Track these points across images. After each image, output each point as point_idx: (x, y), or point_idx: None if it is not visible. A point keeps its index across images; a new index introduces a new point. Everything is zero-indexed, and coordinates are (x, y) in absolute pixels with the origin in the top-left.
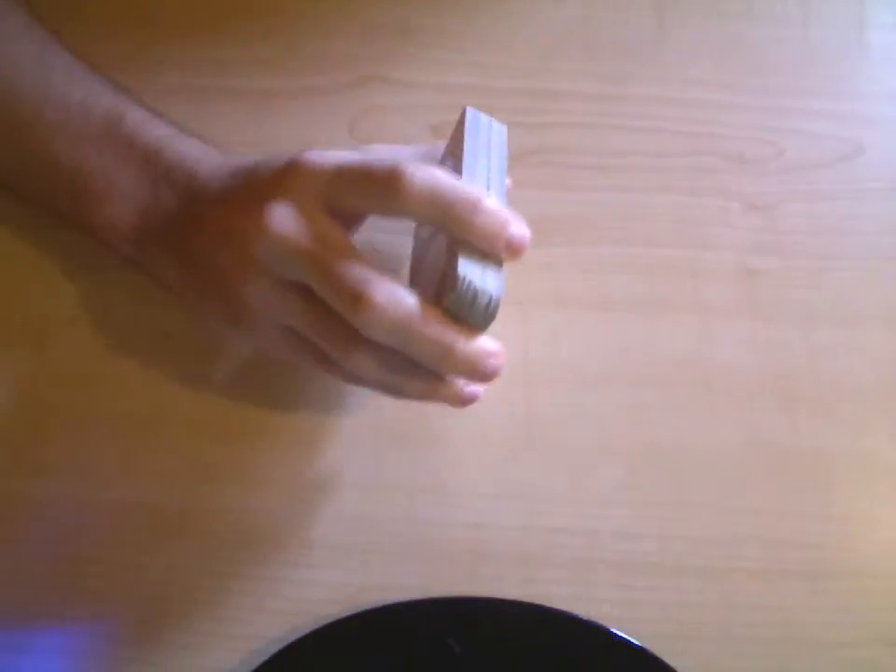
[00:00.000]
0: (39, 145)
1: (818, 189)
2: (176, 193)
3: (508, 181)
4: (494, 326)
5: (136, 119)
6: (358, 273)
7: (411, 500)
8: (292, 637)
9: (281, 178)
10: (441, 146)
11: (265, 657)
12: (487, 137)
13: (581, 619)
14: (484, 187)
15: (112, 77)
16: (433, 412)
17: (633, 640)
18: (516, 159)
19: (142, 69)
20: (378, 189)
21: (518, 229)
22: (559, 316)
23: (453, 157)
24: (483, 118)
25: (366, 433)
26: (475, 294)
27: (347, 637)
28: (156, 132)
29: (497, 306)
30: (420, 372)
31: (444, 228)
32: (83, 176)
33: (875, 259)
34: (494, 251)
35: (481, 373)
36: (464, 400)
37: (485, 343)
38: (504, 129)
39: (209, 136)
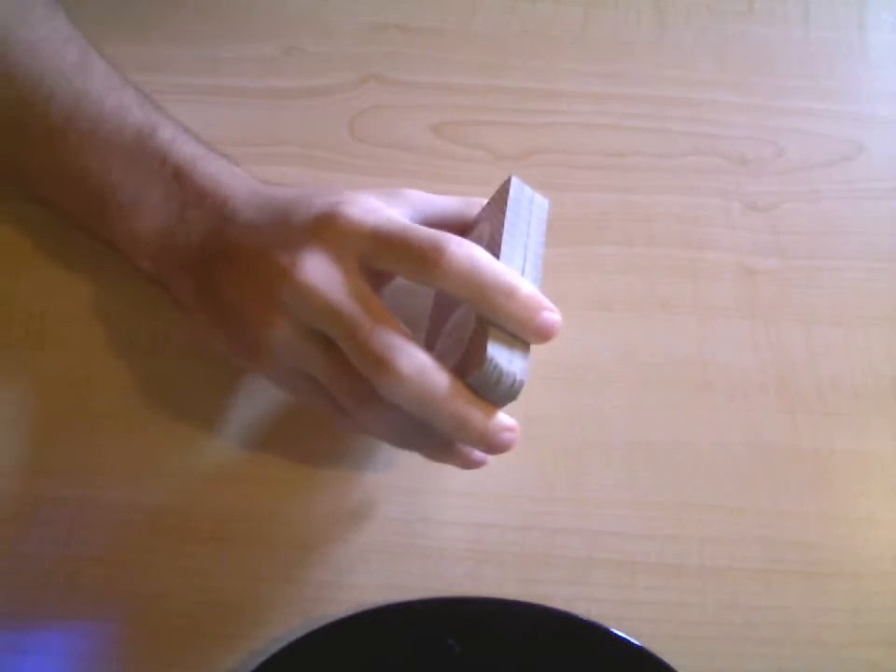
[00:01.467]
0: (69, 152)
1: (818, 189)
2: (205, 216)
3: (543, 251)
4: None
5: (168, 135)
6: (386, 337)
7: (411, 500)
8: (292, 637)
9: (318, 227)
10: (475, 202)
11: (265, 657)
12: (528, 212)
13: (581, 619)
14: (521, 266)
15: (145, 91)
16: None
17: (633, 640)
18: (516, 159)
19: (142, 69)
20: (417, 260)
21: (549, 316)
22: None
23: (490, 224)
24: (527, 190)
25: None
26: (500, 375)
27: (347, 637)
28: (188, 149)
29: (520, 389)
30: (433, 435)
31: (477, 307)
32: (110, 188)
33: (875, 259)
34: (523, 335)
35: (493, 446)
36: (472, 465)
37: (501, 419)
38: (546, 203)
39: (209, 136)
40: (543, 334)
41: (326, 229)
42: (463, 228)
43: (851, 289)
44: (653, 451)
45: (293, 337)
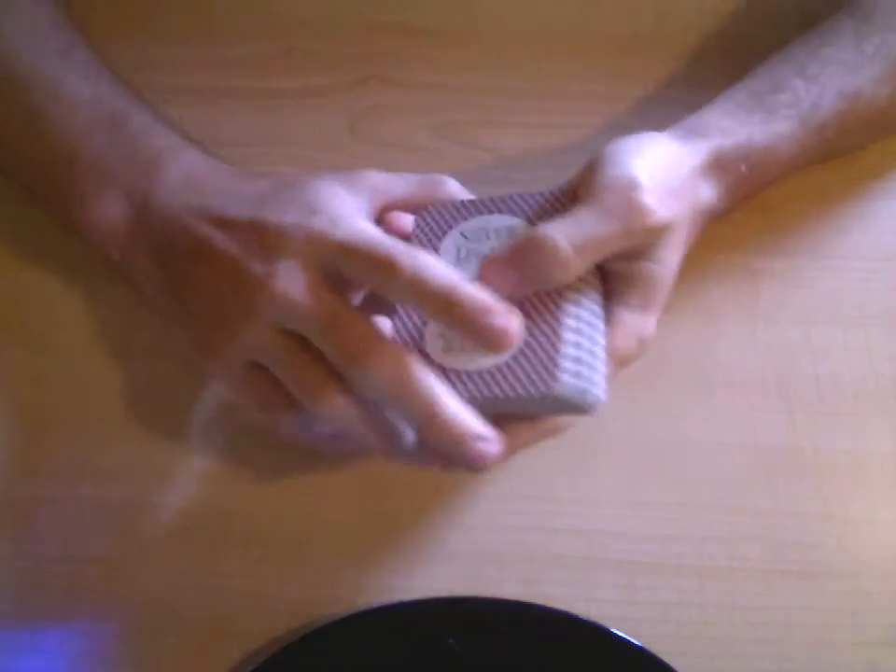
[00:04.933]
0: (42, 135)
1: (818, 189)
2: (174, 207)
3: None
4: None
5: (142, 124)
6: (363, 329)
7: (411, 500)
8: (292, 637)
9: (289, 238)
10: (436, 179)
11: (265, 657)
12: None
13: (581, 619)
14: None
15: (126, 80)
16: None
17: (633, 640)
18: (516, 159)
19: (142, 69)
20: (377, 270)
21: (499, 320)
22: None
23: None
24: None
25: None
26: (581, 394)
27: (347, 637)
28: (161, 139)
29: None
30: (384, 434)
31: (429, 316)
32: (78, 171)
33: (875, 259)
34: (477, 340)
35: (462, 453)
36: (423, 467)
37: (479, 426)
38: None
39: (209, 136)
40: (494, 341)
41: (295, 240)
42: (421, 205)
43: (851, 289)
44: (653, 451)
45: (259, 336)
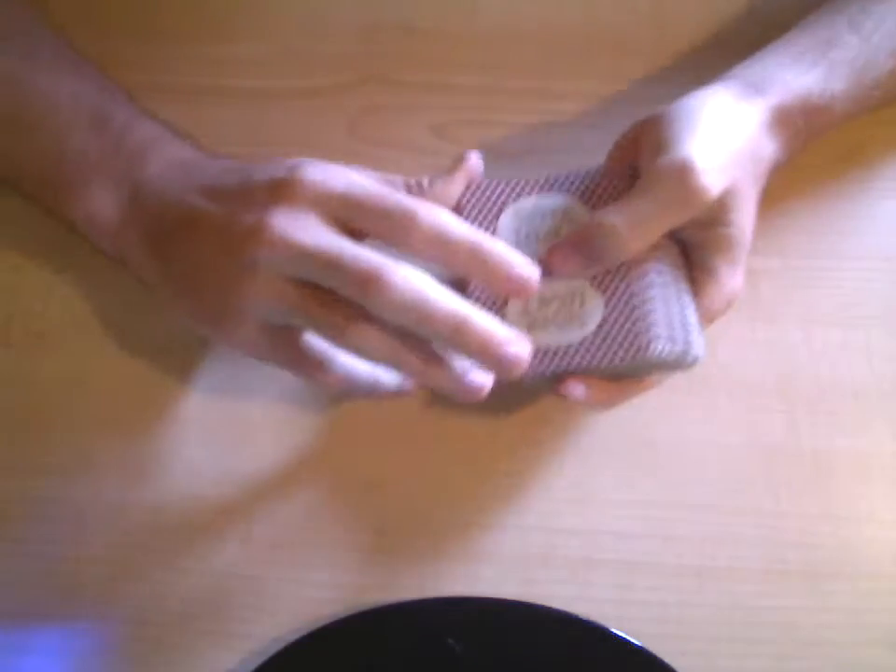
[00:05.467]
0: (26, 135)
1: (818, 189)
2: (164, 192)
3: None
4: None
5: (124, 119)
6: (370, 256)
7: (411, 500)
8: (292, 637)
9: (283, 186)
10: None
11: (265, 657)
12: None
13: (581, 619)
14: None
15: (103, 74)
16: (433, 411)
17: (633, 640)
18: (516, 159)
19: (142, 69)
20: (394, 220)
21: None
22: None
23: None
24: None
25: (366, 433)
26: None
27: (347, 637)
28: (144, 131)
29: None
30: (422, 354)
31: (454, 270)
32: (66, 166)
33: (874, 259)
34: (496, 288)
35: (497, 358)
36: (466, 390)
37: (502, 329)
38: None
39: (209, 136)
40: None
41: (289, 187)
42: None
43: (851, 289)
44: (653, 451)
45: (265, 290)
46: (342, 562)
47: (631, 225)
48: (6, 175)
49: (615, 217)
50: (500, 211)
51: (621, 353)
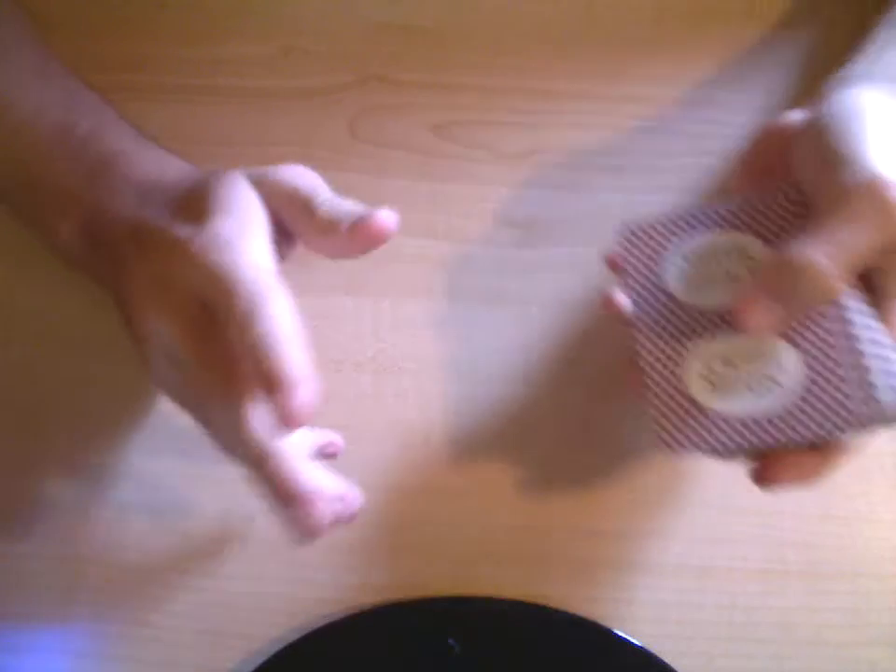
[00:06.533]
0: None
1: None
2: (118, 212)
3: None
4: (488, 325)
5: (88, 129)
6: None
7: (411, 500)
8: (292, 637)
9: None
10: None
11: (265, 657)
12: None
13: (581, 619)
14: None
15: (73, 76)
16: (433, 411)
17: (633, 640)
18: (516, 158)
19: (142, 69)
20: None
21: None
22: (559, 317)
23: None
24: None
25: (366, 433)
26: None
27: (347, 637)
28: (108, 143)
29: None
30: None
31: None
32: (31, 186)
33: None
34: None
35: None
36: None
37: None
38: None
39: (208, 136)
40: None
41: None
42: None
43: None
44: (654, 451)
45: (168, 312)
46: (342, 562)
47: (831, 256)
48: None
49: (809, 250)
50: (661, 255)
51: (831, 422)
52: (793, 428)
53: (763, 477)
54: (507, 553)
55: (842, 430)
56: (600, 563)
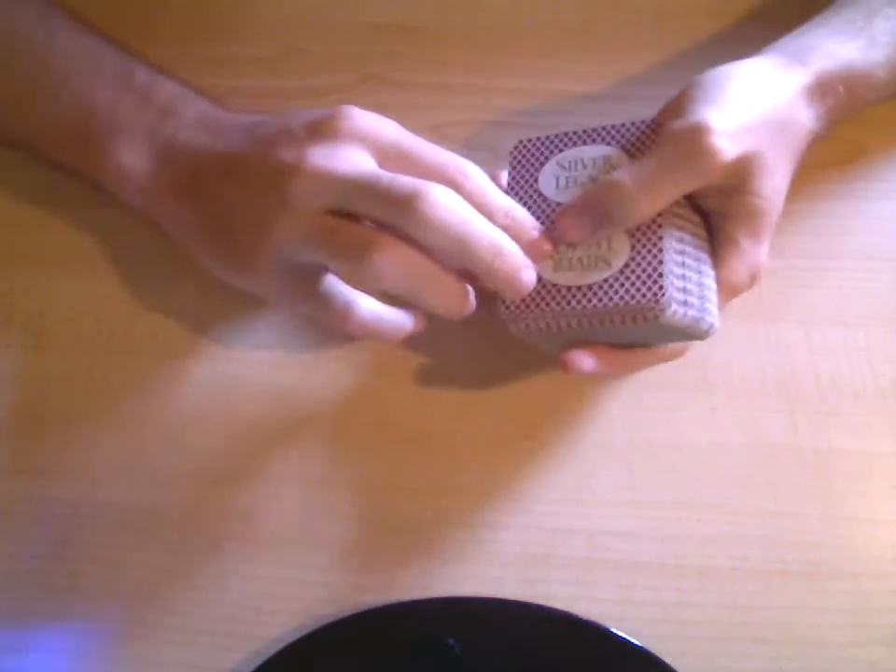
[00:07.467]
0: (50, 95)
1: (818, 189)
2: (199, 139)
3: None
4: (488, 325)
5: (148, 75)
6: (411, 179)
7: (411, 500)
8: (292, 637)
9: (325, 124)
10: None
11: (265, 657)
12: None
13: (581, 619)
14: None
15: (109, 38)
16: (433, 411)
17: (633, 640)
18: None
19: None
20: (445, 174)
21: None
22: None
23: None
24: None
25: (366, 433)
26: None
27: (347, 637)
28: (169, 87)
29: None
30: (445, 280)
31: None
32: (94, 122)
33: (875, 259)
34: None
35: (520, 281)
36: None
37: (520, 255)
38: None
39: None
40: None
41: (331, 125)
42: None
43: (851, 289)
44: (653, 451)
45: (299, 226)
46: (342, 562)
47: (640, 184)
48: (29, 141)
49: (624, 176)
50: (544, 162)
51: (635, 299)
52: (600, 298)
53: (566, 361)
54: (507, 553)
55: (633, 318)
56: (600, 563)
